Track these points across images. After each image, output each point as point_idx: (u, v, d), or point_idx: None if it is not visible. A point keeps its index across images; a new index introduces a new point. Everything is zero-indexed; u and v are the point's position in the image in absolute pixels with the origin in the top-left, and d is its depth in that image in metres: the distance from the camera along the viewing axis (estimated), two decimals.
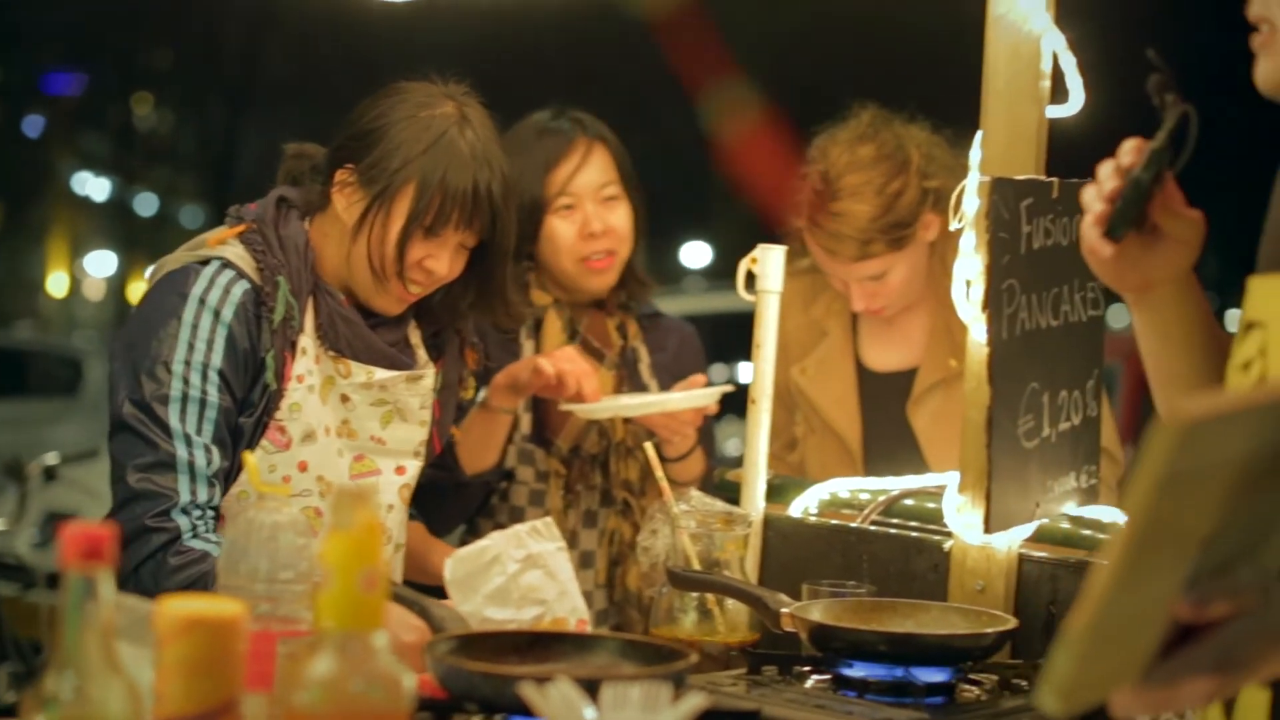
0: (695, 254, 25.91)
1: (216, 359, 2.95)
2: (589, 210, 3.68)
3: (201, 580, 2.82)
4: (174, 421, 2.91)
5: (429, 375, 3.21)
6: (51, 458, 8.31)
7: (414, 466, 3.22)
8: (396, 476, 3.19)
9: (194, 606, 1.77)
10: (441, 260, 3.07)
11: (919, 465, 3.66)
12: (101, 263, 29.19)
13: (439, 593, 2.97)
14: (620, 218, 3.72)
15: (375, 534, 1.71)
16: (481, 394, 3.55)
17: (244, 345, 2.97)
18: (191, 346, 2.95)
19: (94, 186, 28.36)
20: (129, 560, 2.85)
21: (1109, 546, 1.57)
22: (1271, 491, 1.65)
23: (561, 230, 3.69)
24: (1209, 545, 1.61)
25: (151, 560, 2.86)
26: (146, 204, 29.12)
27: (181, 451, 2.90)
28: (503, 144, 3.42)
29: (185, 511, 2.89)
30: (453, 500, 3.59)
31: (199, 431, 2.92)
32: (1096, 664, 1.57)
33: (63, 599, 1.62)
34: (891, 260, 3.75)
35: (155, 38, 24.36)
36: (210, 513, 2.92)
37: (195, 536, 2.88)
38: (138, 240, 28.50)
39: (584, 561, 3.68)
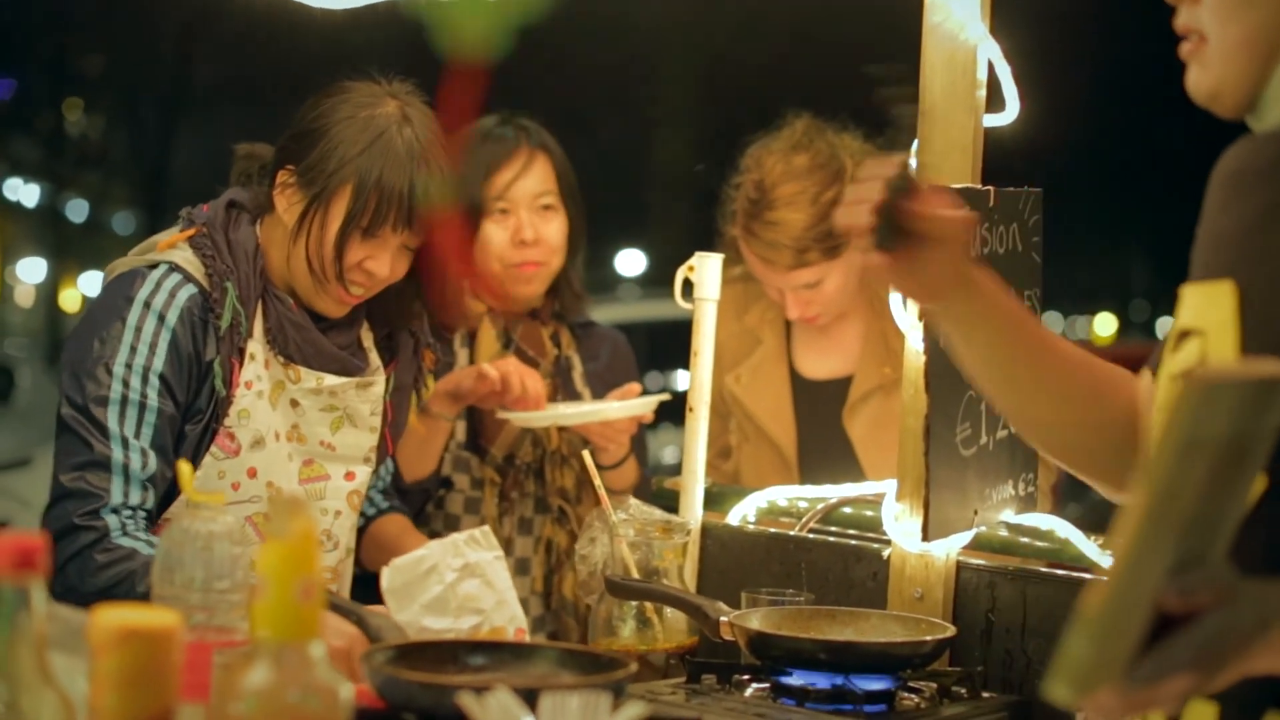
0: (630, 262, 25.94)
1: (158, 363, 2.93)
2: (523, 218, 3.68)
3: (129, 579, 2.80)
4: (112, 423, 2.89)
5: (379, 382, 3.20)
6: None
7: (364, 472, 3.20)
8: (346, 482, 3.17)
9: (128, 617, 1.75)
10: (382, 262, 3.04)
11: (855, 473, 3.66)
12: (32, 269, 28.97)
13: None
14: (554, 230, 3.71)
15: (311, 543, 1.69)
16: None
17: (188, 350, 2.95)
18: (134, 349, 2.93)
19: (24, 193, 28.12)
20: (56, 557, 2.82)
21: (1123, 518, 1.56)
22: (1230, 482, 1.65)
23: (494, 235, 3.69)
24: (1187, 532, 1.60)
25: (78, 557, 2.83)
26: (78, 210, 28.91)
27: (117, 453, 2.88)
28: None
29: (115, 511, 2.86)
30: None
31: (137, 435, 2.90)
32: (1110, 647, 1.54)
33: None
34: (826, 268, 3.76)
35: (86, 42, 24.20)
36: (142, 514, 2.89)
37: (124, 535, 2.85)
38: (69, 247, 28.30)
39: (520, 569, 3.67)
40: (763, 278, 3.84)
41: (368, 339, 3.24)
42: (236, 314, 2.99)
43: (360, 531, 3.37)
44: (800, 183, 3.74)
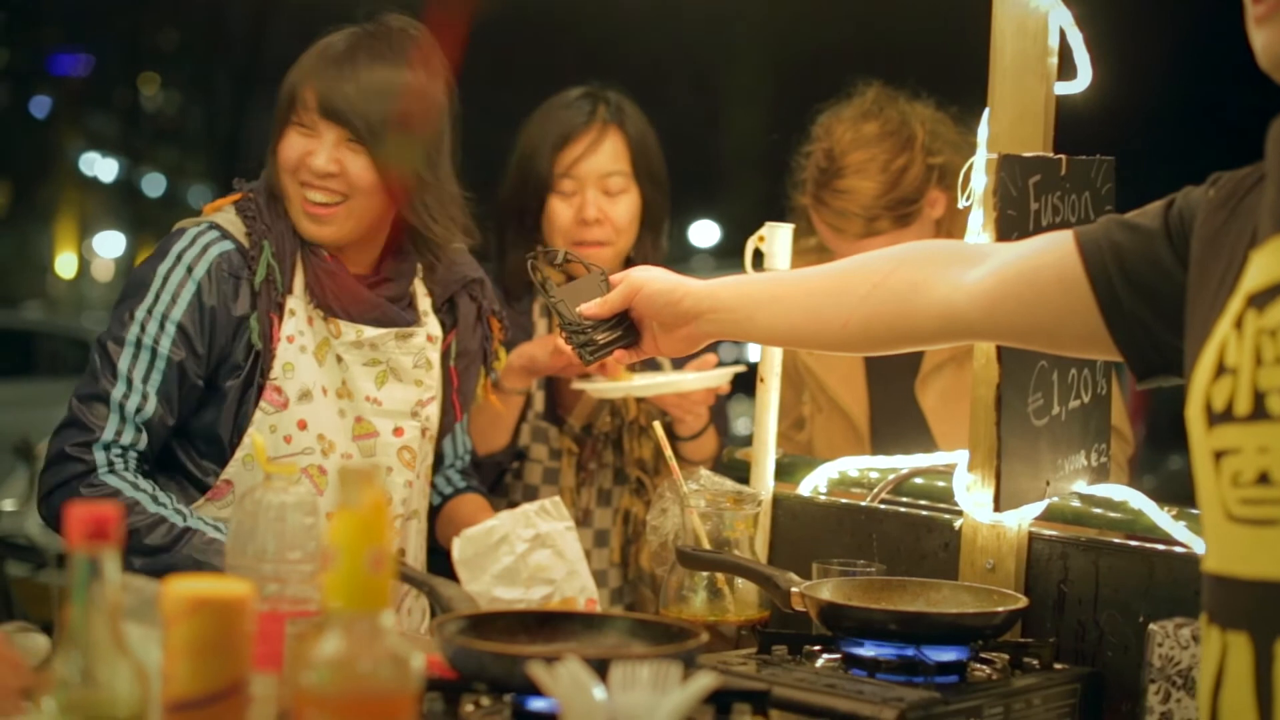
0: (703, 233, 25.86)
1: (177, 312, 3.04)
2: (589, 196, 3.69)
3: None
4: (122, 364, 3.02)
5: (419, 333, 3.25)
6: None
7: (412, 428, 3.24)
8: (394, 438, 3.22)
9: (201, 587, 1.76)
10: (319, 155, 3.11)
11: (927, 444, 3.64)
12: (110, 243, 29.13)
13: None
14: (622, 209, 3.71)
15: (382, 514, 1.70)
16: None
17: (211, 302, 3.06)
18: (157, 297, 3.05)
19: (101, 167, 28.31)
20: (46, 482, 3.01)
21: None
22: None
23: (560, 211, 3.69)
24: None
25: (64, 487, 2.98)
26: (154, 184, 29.08)
27: (117, 392, 3.01)
28: (530, 117, 3.69)
29: (105, 448, 2.99)
30: None
31: (145, 380, 3.02)
32: None
33: (69, 580, 1.61)
34: (898, 237, 3.73)
35: (161, 18, 24.33)
36: (133, 454, 3.02)
37: (111, 472, 2.98)
38: (146, 221, 28.44)
39: (599, 540, 3.68)
40: (834, 247, 3.82)
41: (424, 302, 3.30)
42: (271, 270, 3.09)
43: (437, 509, 3.40)
44: (870, 150, 3.73)
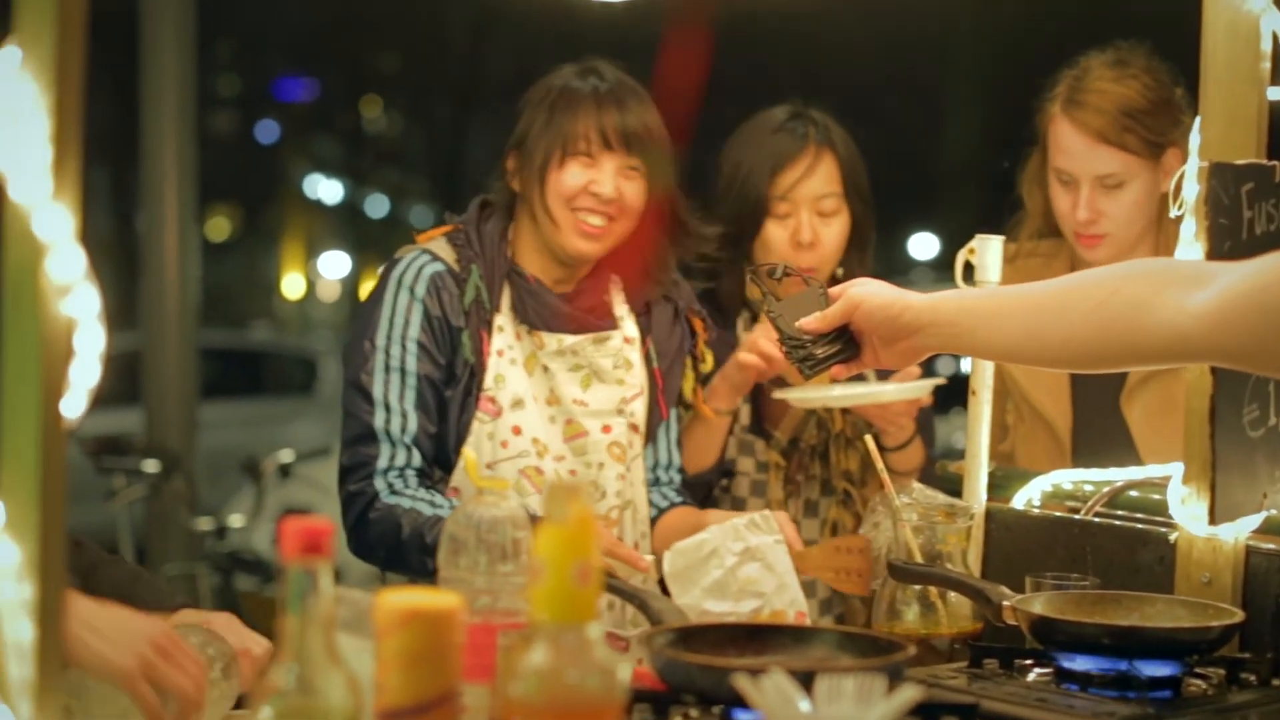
0: (922, 245, 25.69)
1: (414, 330, 3.26)
2: (803, 219, 3.69)
3: (395, 530, 3.15)
4: (376, 390, 3.23)
5: (615, 336, 3.43)
6: (287, 455, 8.53)
7: (619, 424, 3.41)
8: (603, 435, 3.39)
9: (412, 599, 1.80)
10: (604, 183, 3.31)
11: (1131, 459, 3.56)
12: (335, 264, 29.64)
13: None
14: (834, 232, 3.71)
15: (588, 528, 1.72)
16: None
17: (436, 314, 3.27)
18: (391, 322, 3.27)
19: (326, 189, 28.83)
20: (345, 527, 3.21)
21: None
22: None
23: (774, 234, 3.70)
24: None
25: (360, 523, 3.20)
26: (377, 205, 29.55)
27: (379, 419, 3.22)
28: (736, 136, 3.76)
29: (383, 474, 3.20)
30: None
31: (401, 398, 3.23)
32: None
33: (283, 592, 1.66)
34: (1136, 167, 3.59)
35: (382, 42, 24.75)
36: (410, 472, 3.22)
37: (391, 494, 3.18)
38: (369, 241, 28.93)
39: None
40: (1065, 162, 3.64)
41: (622, 308, 3.48)
42: (479, 291, 3.31)
43: (652, 523, 3.46)
44: (1132, 71, 3.63)
